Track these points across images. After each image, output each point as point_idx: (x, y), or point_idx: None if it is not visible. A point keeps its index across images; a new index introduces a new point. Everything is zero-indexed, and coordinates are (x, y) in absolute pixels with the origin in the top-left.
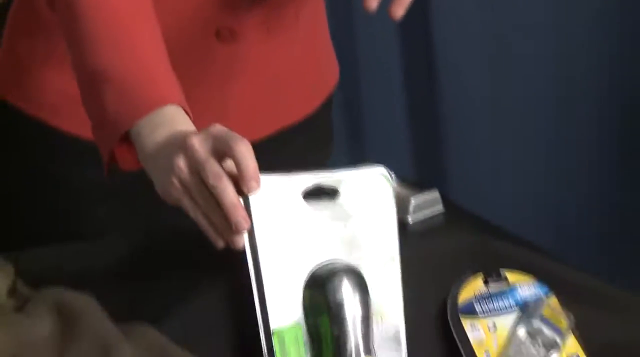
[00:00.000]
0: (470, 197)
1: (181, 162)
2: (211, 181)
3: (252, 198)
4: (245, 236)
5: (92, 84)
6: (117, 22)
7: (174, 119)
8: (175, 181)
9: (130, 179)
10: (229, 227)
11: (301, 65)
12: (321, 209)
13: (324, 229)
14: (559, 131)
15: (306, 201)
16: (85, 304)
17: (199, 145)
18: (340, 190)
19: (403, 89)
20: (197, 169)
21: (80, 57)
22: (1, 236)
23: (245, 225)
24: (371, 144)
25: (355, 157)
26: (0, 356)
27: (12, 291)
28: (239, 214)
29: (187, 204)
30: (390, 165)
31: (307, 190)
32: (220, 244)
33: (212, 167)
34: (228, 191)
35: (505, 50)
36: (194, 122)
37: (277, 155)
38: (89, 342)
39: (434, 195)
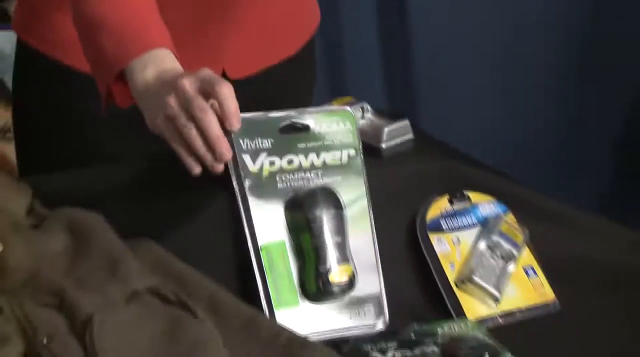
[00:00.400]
0: (438, 126)
1: (172, 100)
2: (198, 114)
3: (237, 139)
4: (231, 166)
5: (91, 31)
6: None
7: (163, 59)
8: (165, 116)
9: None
10: (212, 158)
11: (287, 9)
12: (296, 142)
13: (299, 159)
14: (516, 65)
15: (282, 135)
16: (95, 222)
17: (189, 85)
18: (312, 126)
19: (379, 36)
20: (185, 105)
21: (82, 8)
22: (22, 161)
23: (228, 155)
24: (351, 80)
25: (336, 92)
26: (20, 267)
27: (30, 211)
28: (222, 145)
29: (170, 135)
30: (367, 98)
31: (283, 126)
32: (197, 170)
33: (200, 103)
34: (213, 124)
35: None
36: (189, 65)
37: (267, 89)
38: (98, 256)
39: (404, 124)
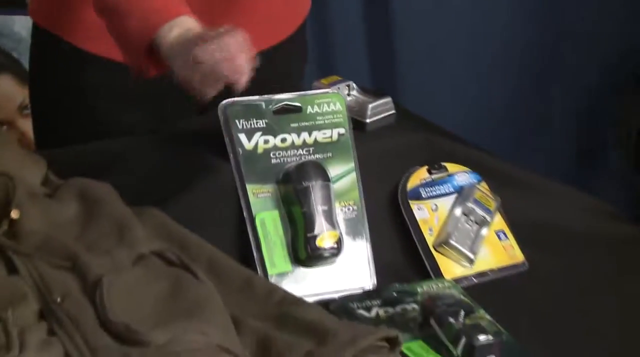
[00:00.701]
0: (419, 102)
1: (198, 51)
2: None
3: (234, 120)
4: (228, 143)
5: (115, 10)
6: None
7: (186, 22)
8: (194, 61)
9: (153, 89)
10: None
11: None
12: (289, 122)
13: (292, 137)
14: (485, 47)
15: (277, 116)
16: (104, 191)
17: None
18: (305, 107)
19: (364, 20)
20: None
21: None
22: (39, 136)
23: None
24: (339, 59)
25: (325, 71)
26: (35, 232)
27: (45, 181)
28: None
29: (198, 78)
30: (352, 77)
31: (277, 108)
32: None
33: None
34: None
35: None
36: None
37: (264, 70)
38: (107, 223)
39: (387, 101)
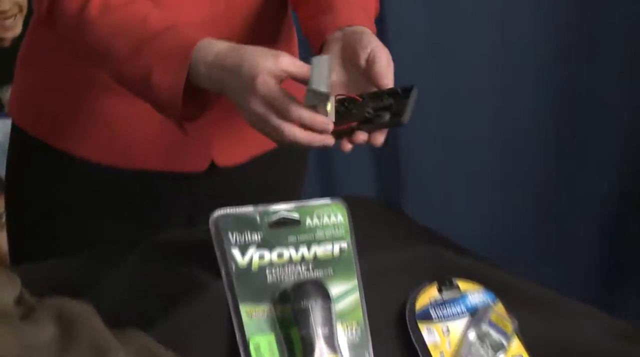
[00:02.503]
0: (427, 212)
1: (255, 105)
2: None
3: (226, 233)
4: (220, 260)
5: (126, 65)
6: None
7: (206, 51)
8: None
9: (140, 198)
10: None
11: None
12: (286, 235)
13: (289, 252)
14: (504, 155)
15: (273, 229)
16: (83, 311)
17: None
18: (304, 219)
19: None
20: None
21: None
22: (14, 249)
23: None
24: (342, 166)
25: (328, 179)
26: None
27: (19, 301)
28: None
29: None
30: (357, 185)
31: (274, 221)
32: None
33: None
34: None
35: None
36: (176, 157)
37: (258, 177)
38: (87, 347)
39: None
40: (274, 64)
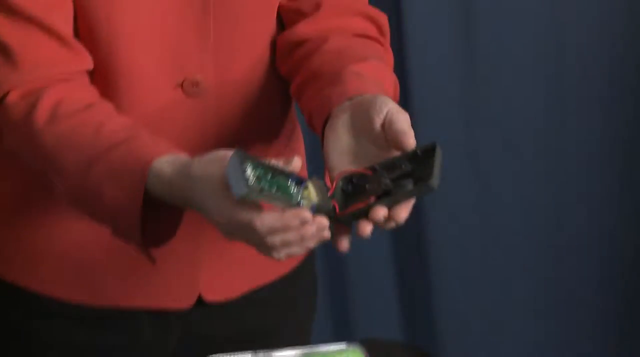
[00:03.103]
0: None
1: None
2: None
3: None
4: None
5: (86, 191)
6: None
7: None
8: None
9: (114, 340)
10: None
11: None
12: None
13: None
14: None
15: None
16: None
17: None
18: None
19: (392, 261)
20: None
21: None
22: None
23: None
24: (359, 304)
25: (343, 325)
26: None
27: None
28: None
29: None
30: (379, 327)
31: None
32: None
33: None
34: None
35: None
36: (160, 290)
37: (254, 315)
38: None
39: None
40: (222, 196)
